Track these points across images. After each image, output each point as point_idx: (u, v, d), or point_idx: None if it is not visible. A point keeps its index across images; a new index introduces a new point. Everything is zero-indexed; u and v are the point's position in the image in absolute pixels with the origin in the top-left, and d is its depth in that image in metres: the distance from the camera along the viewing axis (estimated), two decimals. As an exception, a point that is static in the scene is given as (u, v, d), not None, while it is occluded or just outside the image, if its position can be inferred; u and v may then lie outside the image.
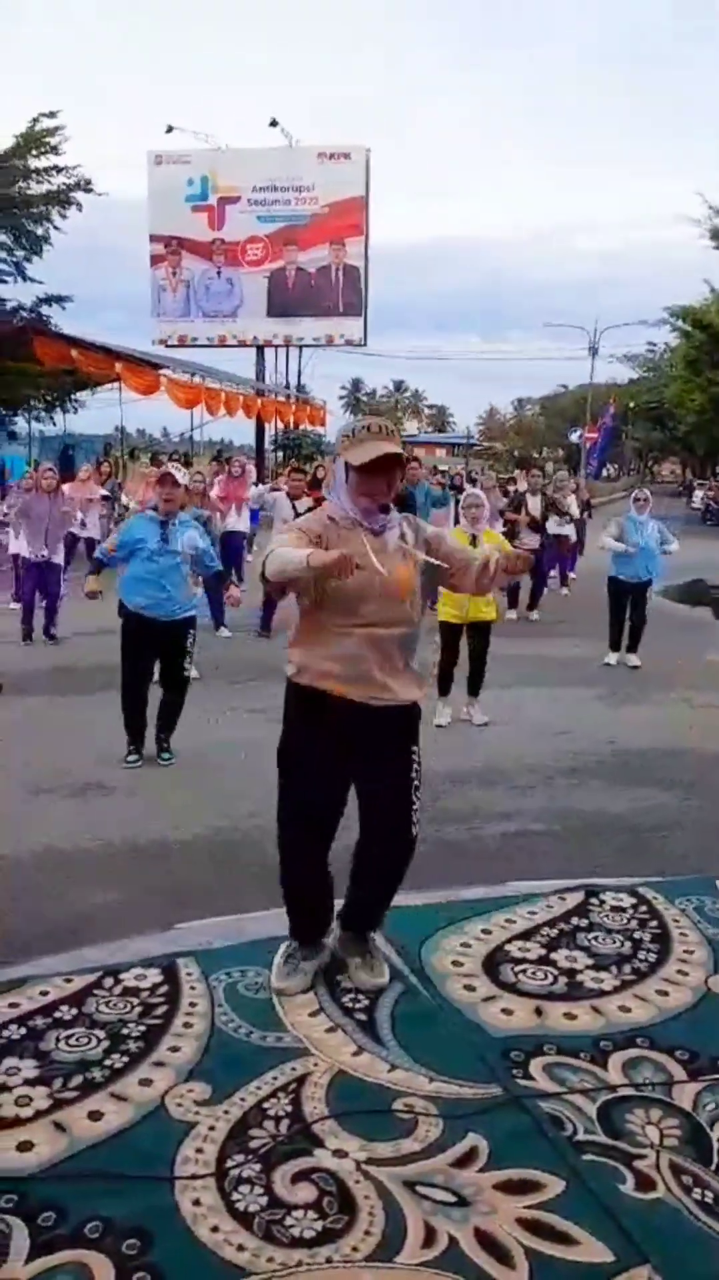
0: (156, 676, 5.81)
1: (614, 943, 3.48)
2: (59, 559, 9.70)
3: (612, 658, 8.63)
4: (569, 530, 12.81)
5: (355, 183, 29.70)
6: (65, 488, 11.08)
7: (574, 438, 46.72)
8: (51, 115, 24.35)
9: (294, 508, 8.95)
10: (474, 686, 6.68)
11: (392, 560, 2.93)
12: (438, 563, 3.03)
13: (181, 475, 5.83)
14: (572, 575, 13.48)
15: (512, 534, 10.87)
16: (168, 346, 29.66)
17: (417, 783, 3.10)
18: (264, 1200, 2.24)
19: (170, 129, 30.52)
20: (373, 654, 2.93)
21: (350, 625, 2.92)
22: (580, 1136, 2.48)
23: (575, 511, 13.16)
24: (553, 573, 13.10)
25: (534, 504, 11.21)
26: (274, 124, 30.10)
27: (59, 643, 9.23)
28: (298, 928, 3.21)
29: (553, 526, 12.90)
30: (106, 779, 5.41)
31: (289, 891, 3.18)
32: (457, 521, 7.54)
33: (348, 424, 3.09)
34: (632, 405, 51.52)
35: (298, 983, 3.11)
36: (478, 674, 6.66)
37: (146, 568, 5.50)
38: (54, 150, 24.43)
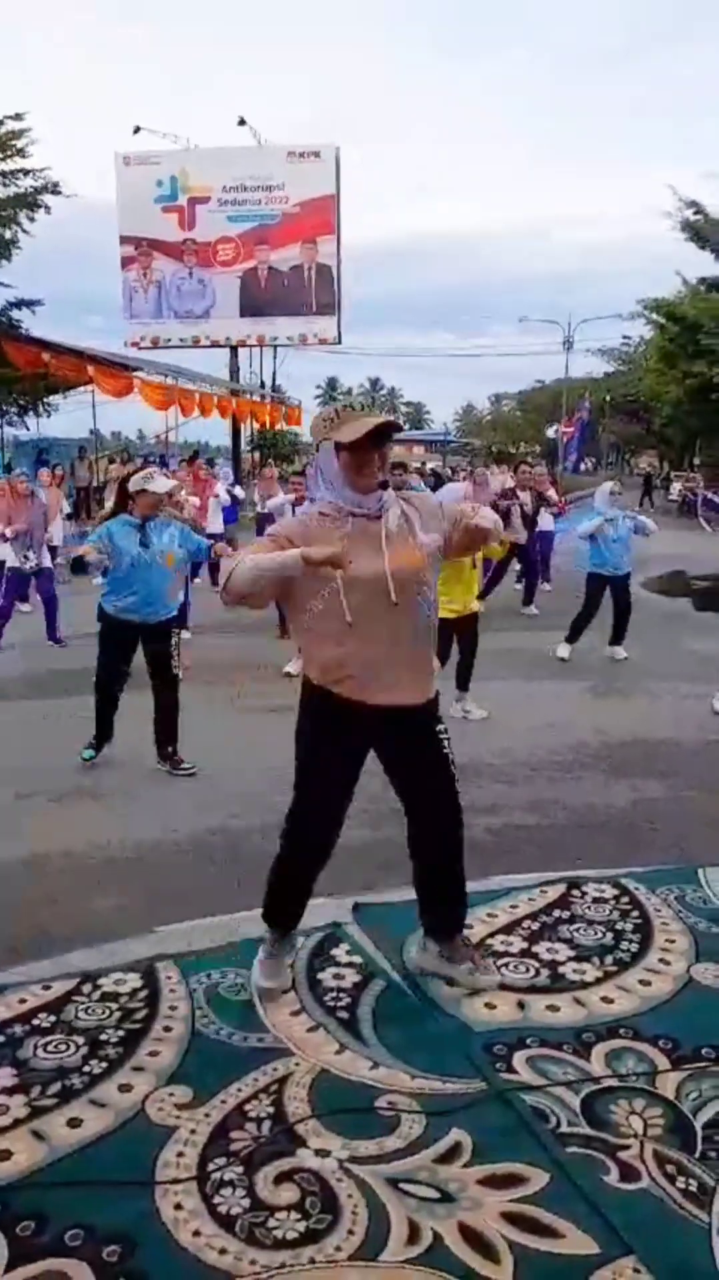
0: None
1: (596, 934, 3.47)
2: (49, 563, 9.64)
3: (564, 650, 8.57)
4: (550, 524, 12.78)
5: (326, 181, 29.69)
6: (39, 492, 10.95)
7: (551, 432, 46.74)
8: (17, 117, 24.16)
9: (294, 512, 8.95)
10: (465, 680, 6.61)
11: (394, 545, 2.77)
12: (440, 542, 2.88)
13: (165, 485, 5.65)
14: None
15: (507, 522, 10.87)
16: (140, 348, 29.54)
17: (451, 756, 3.01)
18: (246, 1203, 2.22)
19: (138, 130, 30.42)
20: (387, 651, 2.78)
21: (359, 623, 2.73)
22: (564, 1129, 2.47)
23: (555, 496, 13.04)
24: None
25: (526, 498, 11.20)
26: (242, 123, 30.10)
27: (65, 645, 9.16)
28: (281, 918, 3.09)
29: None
30: (92, 783, 5.38)
31: (284, 888, 3.08)
32: None
33: (322, 410, 2.93)
34: (608, 398, 51.70)
35: (284, 980, 3.07)
36: (469, 667, 6.59)
37: (126, 573, 5.44)
38: (20, 153, 24.24)
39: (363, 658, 2.77)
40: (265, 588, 2.75)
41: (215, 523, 11.65)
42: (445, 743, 3.00)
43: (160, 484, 5.59)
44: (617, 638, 8.68)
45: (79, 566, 5.64)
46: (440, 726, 3.00)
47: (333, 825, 2.99)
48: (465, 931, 3.28)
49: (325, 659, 2.83)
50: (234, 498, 14.10)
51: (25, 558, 9.26)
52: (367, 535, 2.76)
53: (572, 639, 8.60)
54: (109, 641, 5.61)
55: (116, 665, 5.62)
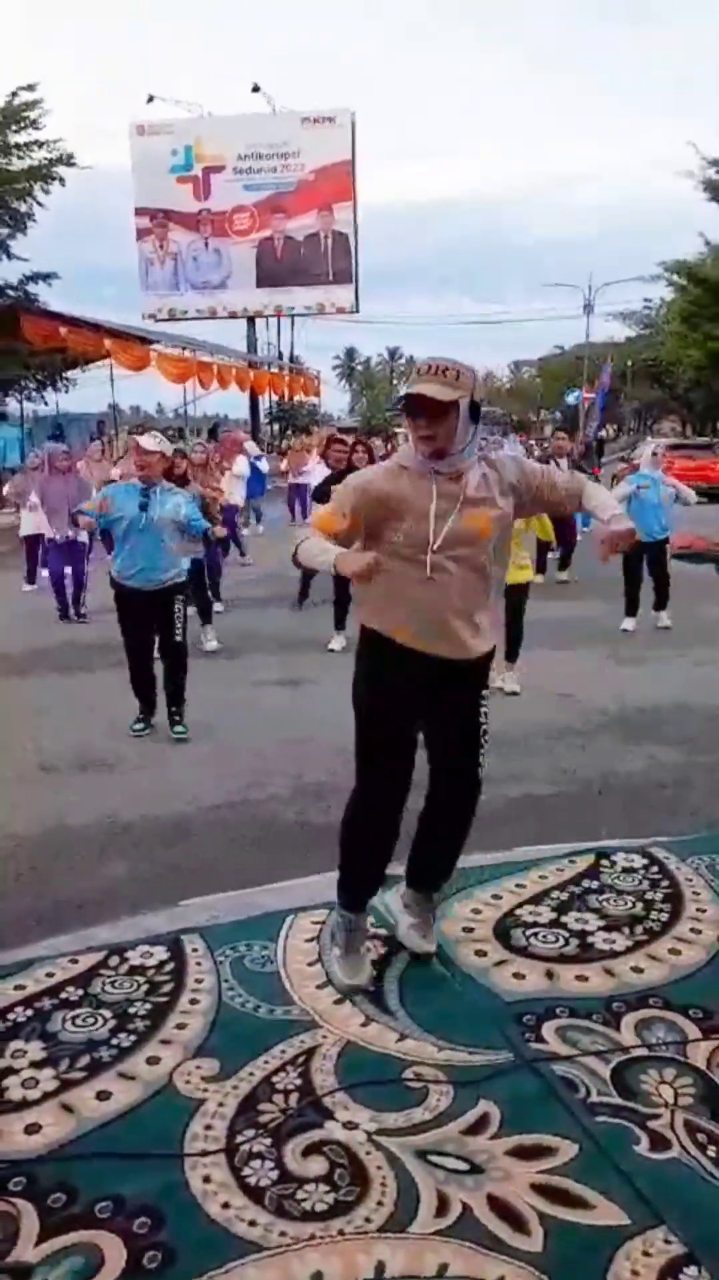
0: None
1: (625, 904, 3.44)
2: (83, 537, 9.64)
3: (629, 623, 8.48)
4: None
5: (341, 146, 29.34)
6: (78, 466, 10.97)
7: (571, 399, 46.16)
8: (30, 89, 23.91)
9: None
10: (513, 651, 6.40)
11: (467, 508, 2.78)
12: (513, 512, 2.91)
13: (155, 442, 5.68)
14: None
15: None
16: (157, 321, 29.43)
17: (485, 725, 2.99)
18: (275, 1174, 2.22)
19: (151, 99, 30.16)
20: (445, 606, 2.81)
21: (421, 578, 2.78)
22: (594, 1099, 2.45)
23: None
24: None
25: (564, 465, 11.11)
26: (256, 89, 29.72)
27: (87, 620, 9.26)
28: (355, 896, 3.04)
29: None
30: (113, 755, 5.39)
31: (356, 856, 3.02)
32: None
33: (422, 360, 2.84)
34: (630, 364, 51.00)
35: (367, 975, 2.98)
36: (517, 638, 6.39)
37: (127, 539, 5.52)
38: (34, 125, 24.01)
39: (417, 610, 2.82)
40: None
41: (236, 496, 11.67)
42: (483, 711, 2.98)
43: (147, 441, 5.68)
44: (659, 604, 8.64)
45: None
46: (484, 693, 3.00)
47: (400, 757, 2.93)
48: (492, 902, 3.28)
49: (382, 604, 2.88)
50: (255, 469, 14.08)
51: (58, 530, 9.32)
52: (446, 493, 2.78)
53: (630, 611, 8.53)
54: (123, 610, 5.70)
55: (139, 634, 5.67)
